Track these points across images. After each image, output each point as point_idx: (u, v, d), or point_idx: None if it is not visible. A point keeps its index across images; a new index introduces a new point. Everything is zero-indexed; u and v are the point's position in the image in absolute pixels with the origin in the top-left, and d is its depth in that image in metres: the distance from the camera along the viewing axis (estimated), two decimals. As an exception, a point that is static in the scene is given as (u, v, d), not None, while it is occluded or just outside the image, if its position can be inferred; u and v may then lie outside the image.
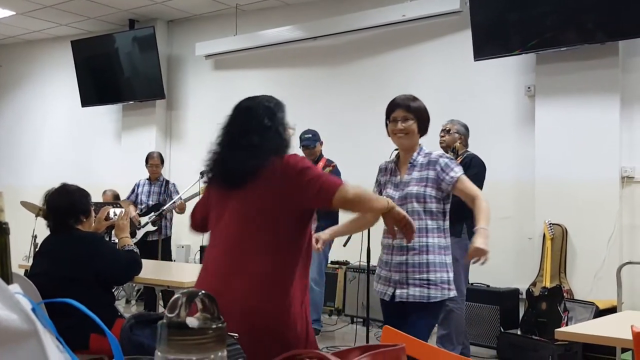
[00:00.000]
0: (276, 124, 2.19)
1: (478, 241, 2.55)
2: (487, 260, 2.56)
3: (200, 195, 6.51)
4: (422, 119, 2.85)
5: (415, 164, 2.84)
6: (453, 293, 2.79)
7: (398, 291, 2.77)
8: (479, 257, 2.55)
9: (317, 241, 2.89)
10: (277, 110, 2.23)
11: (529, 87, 5.72)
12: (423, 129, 2.87)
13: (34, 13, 7.96)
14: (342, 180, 2.10)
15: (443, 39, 6.26)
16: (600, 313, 4.65)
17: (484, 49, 5.61)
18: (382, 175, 2.99)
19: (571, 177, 5.32)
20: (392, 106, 2.88)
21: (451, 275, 2.80)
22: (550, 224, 5.24)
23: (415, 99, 2.90)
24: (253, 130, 2.16)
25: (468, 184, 2.77)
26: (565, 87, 5.43)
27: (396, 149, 3.00)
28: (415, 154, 2.85)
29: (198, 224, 2.37)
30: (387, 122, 2.90)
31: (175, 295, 0.76)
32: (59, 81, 9.07)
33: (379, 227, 3.10)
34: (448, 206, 2.84)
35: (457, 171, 2.78)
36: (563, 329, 2.43)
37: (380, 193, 2.91)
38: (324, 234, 2.93)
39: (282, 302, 2.02)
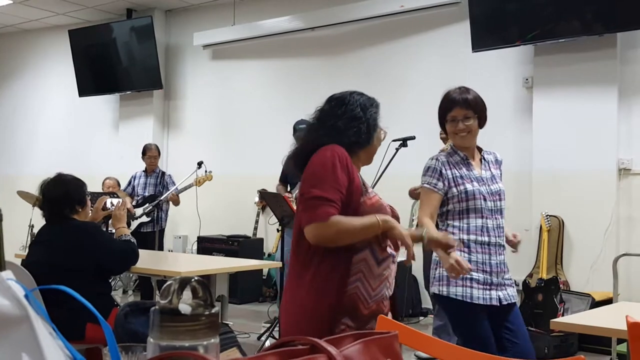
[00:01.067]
0: (367, 117, 2.11)
1: None
2: None
3: (196, 186, 6.49)
4: (481, 112, 2.65)
5: (489, 161, 2.74)
6: None
7: (501, 293, 2.59)
8: None
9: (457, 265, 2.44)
10: (369, 105, 2.14)
11: (526, 79, 5.72)
12: (483, 122, 2.68)
13: (31, 2, 7.92)
14: (326, 216, 1.92)
15: (441, 30, 6.24)
16: (596, 304, 4.66)
17: (482, 40, 5.59)
18: (448, 169, 2.64)
19: (568, 169, 5.33)
20: (449, 104, 2.64)
21: None
22: (547, 215, 5.25)
23: (468, 90, 2.66)
24: (350, 116, 2.09)
25: None
26: (563, 79, 5.42)
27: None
28: (485, 151, 2.75)
29: None
30: (444, 120, 2.67)
31: (168, 282, 0.75)
32: (57, 71, 9.04)
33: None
34: None
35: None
36: (559, 319, 2.42)
37: (448, 188, 2.62)
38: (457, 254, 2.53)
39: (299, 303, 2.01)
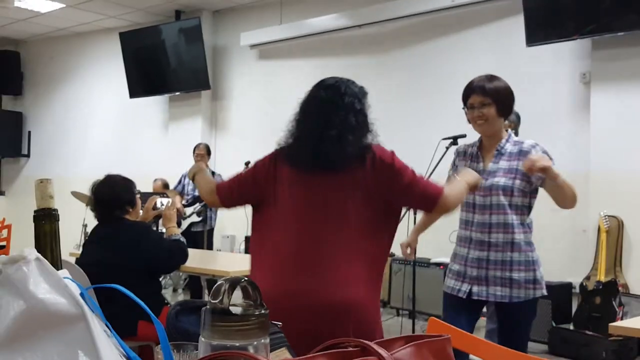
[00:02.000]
0: (364, 108, 2.10)
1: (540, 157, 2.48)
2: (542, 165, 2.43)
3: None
4: (501, 100, 2.60)
5: (504, 153, 2.62)
6: (540, 292, 2.61)
7: (475, 288, 2.60)
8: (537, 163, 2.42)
9: (407, 246, 2.92)
10: (362, 95, 2.12)
11: (584, 74, 5.53)
12: (505, 111, 2.63)
13: (83, 5, 8.10)
14: (440, 186, 2.07)
15: (494, 25, 6.11)
16: (658, 308, 4.49)
17: (537, 34, 5.44)
18: (460, 160, 2.76)
19: (628, 168, 5.13)
20: (468, 91, 2.65)
21: (539, 273, 2.60)
22: (605, 215, 5.07)
23: (492, 78, 2.64)
24: (352, 109, 2.05)
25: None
26: (623, 73, 5.23)
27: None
28: (503, 141, 2.64)
29: (231, 197, 2.22)
30: (465, 108, 2.67)
31: (219, 282, 0.76)
32: (108, 73, 9.23)
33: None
34: (534, 200, 2.63)
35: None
36: (618, 323, 2.34)
37: None
38: (412, 240, 2.95)
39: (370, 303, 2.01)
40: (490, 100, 2.58)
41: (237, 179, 2.23)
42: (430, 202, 2.05)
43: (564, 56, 5.63)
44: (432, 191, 2.04)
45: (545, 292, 2.64)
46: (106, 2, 7.93)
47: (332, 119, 2.03)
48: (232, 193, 2.21)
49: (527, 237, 2.60)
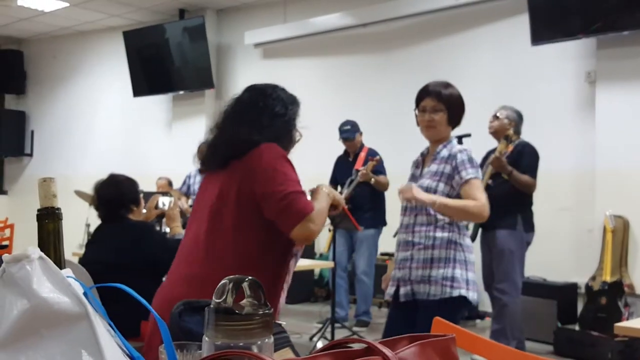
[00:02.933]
0: (288, 115, 2.08)
1: (415, 188, 2.55)
2: (407, 197, 2.57)
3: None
4: (453, 108, 2.61)
5: (438, 157, 2.63)
6: (458, 292, 2.50)
7: (402, 290, 2.59)
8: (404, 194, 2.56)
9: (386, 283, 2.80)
10: (290, 102, 2.11)
11: (589, 73, 5.50)
12: (454, 120, 2.63)
13: (86, 4, 8.09)
14: (310, 206, 1.92)
15: (499, 24, 6.09)
16: (664, 309, 4.47)
17: (542, 33, 5.42)
18: (413, 167, 2.79)
19: (634, 167, 5.11)
20: (423, 93, 2.65)
21: (459, 272, 2.53)
22: (611, 215, 5.05)
23: (447, 86, 2.65)
24: (271, 112, 2.05)
25: (472, 192, 2.53)
26: (628, 72, 5.21)
27: None
28: (440, 146, 2.64)
29: None
30: (416, 110, 2.67)
31: (222, 281, 0.76)
32: (111, 72, 9.22)
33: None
34: None
35: (470, 173, 2.54)
36: (623, 323, 2.32)
37: None
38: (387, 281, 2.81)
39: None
40: (444, 106, 2.59)
41: None
42: (290, 220, 1.89)
43: (569, 55, 5.61)
44: (297, 209, 1.88)
45: (468, 294, 2.53)
46: (110, 0, 7.92)
47: (245, 118, 2.04)
48: None
49: (455, 237, 2.56)
